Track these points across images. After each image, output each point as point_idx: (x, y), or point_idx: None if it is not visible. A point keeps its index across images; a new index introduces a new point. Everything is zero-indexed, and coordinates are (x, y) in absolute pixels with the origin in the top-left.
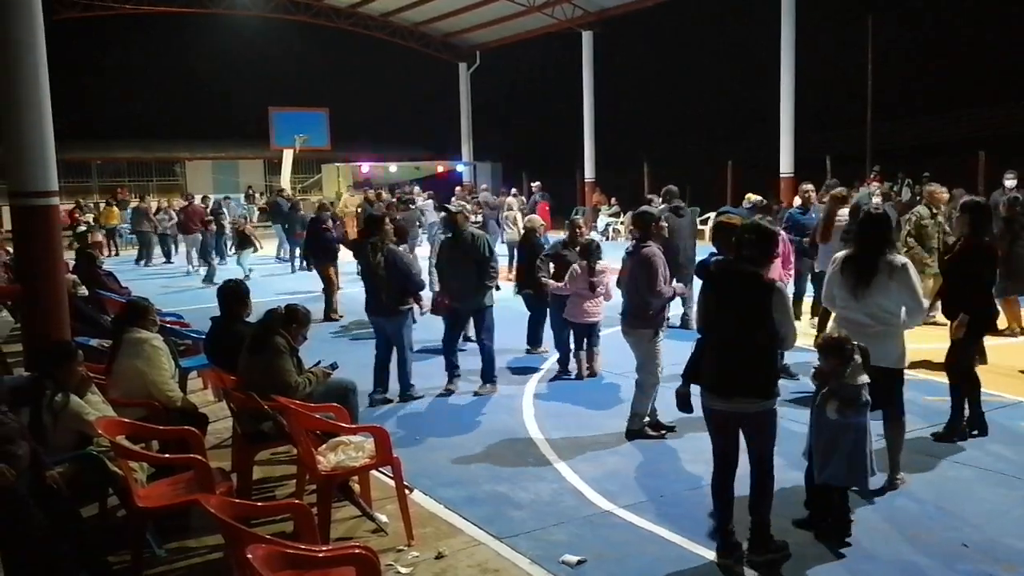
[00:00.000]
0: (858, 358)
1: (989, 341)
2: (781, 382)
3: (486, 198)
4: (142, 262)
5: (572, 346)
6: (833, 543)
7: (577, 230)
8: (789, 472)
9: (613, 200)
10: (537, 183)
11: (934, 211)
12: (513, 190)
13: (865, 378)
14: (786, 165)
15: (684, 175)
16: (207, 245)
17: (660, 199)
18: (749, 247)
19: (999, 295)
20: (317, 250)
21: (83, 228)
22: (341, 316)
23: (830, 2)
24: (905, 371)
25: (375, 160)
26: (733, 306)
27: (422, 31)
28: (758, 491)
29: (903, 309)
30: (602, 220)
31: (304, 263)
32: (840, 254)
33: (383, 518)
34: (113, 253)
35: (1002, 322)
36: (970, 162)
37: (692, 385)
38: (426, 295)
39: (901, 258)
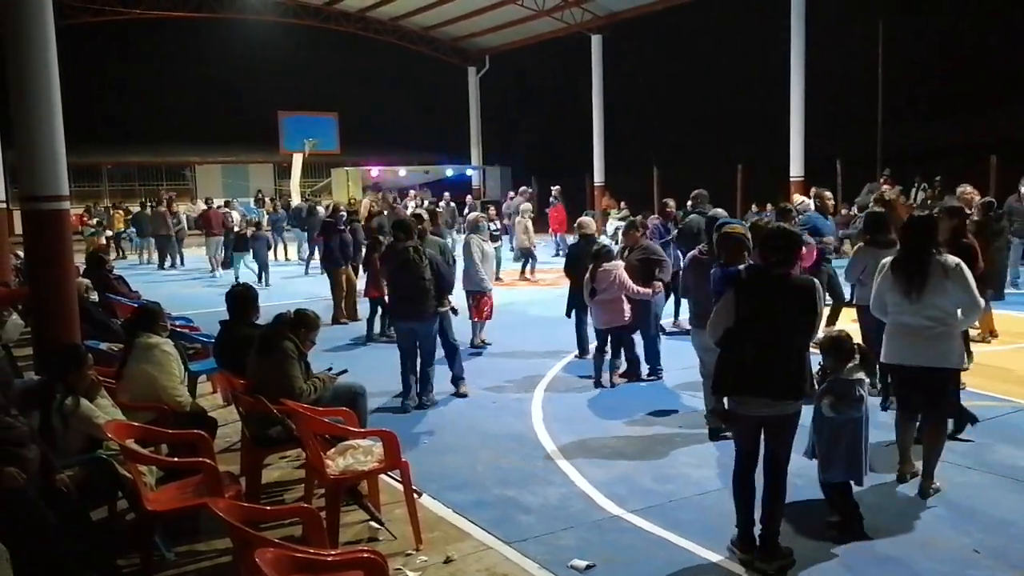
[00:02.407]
0: (858, 356)
1: (994, 347)
2: None
3: (508, 207)
4: (167, 265)
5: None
6: (844, 542)
7: (636, 233)
8: (799, 477)
9: (622, 204)
10: (557, 187)
11: (967, 212)
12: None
13: (861, 374)
14: (796, 168)
15: (694, 178)
16: (259, 250)
17: (690, 202)
18: (778, 252)
19: None
20: (331, 253)
21: (91, 232)
22: (359, 319)
23: (840, 5)
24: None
25: (384, 164)
26: (773, 311)
27: (431, 35)
28: (770, 497)
29: (959, 308)
30: (611, 224)
31: (315, 266)
32: (887, 259)
33: (382, 526)
34: (119, 256)
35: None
36: (980, 166)
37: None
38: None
39: (953, 258)
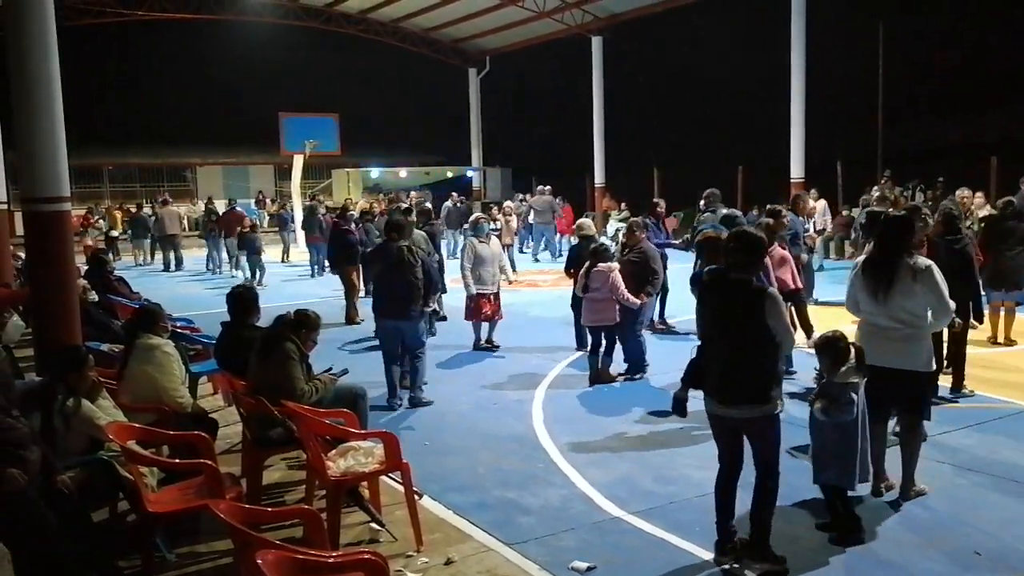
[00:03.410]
0: (852, 359)
1: (996, 349)
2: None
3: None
4: (171, 268)
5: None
6: (844, 545)
7: (636, 233)
8: (802, 478)
9: (623, 205)
10: (549, 187)
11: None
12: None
13: (855, 378)
14: (796, 169)
15: (694, 179)
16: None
17: (702, 202)
18: (733, 255)
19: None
20: (340, 253)
21: (97, 232)
22: (362, 320)
23: (841, 6)
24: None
25: (385, 166)
26: (729, 314)
27: (432, 37)
28: (760, 497)
29: (929, 311)
30: (612, 225)
31: (326, 267)
32: (860, 258)
33: (379, 527)
34: (116, 257)
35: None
36: (980, 166)
37: (690, 391)
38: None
39: (924, 260)
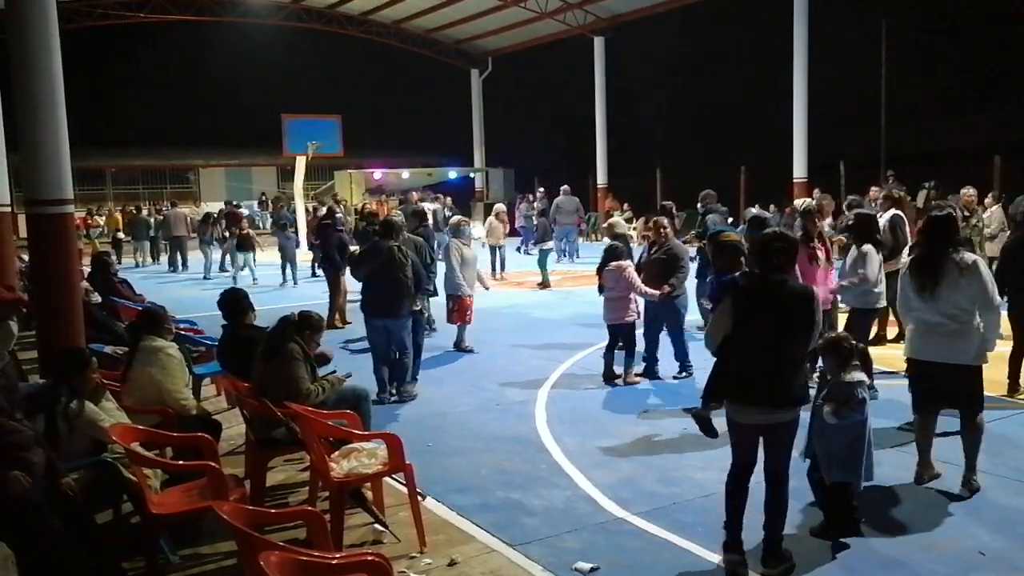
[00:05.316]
0: (856, 361)
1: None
2: None
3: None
4: (179, 269)
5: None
6: (844, 542)
7: (662, 230)
8: (802, 479)
9: (626, 206)
10: (541, 190)
11: (965, 215)
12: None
13: (861, 376)
14: (799, 170)
15: (696, 180)
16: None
17: (700, 204)
18: (778, 256)
19: None
20: (333, 255)
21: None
22: (349, 323)
23: (843, 5)
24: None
25: (387, 167)
26: (772, 318)
27: (434, 38)
28: (773, 503)
29: (977, 307)
30: None
31: (317, 268)
32: (907, 259)
33: (383, 529)
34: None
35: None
36: (983, 166)
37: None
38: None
39: (971, 255)
